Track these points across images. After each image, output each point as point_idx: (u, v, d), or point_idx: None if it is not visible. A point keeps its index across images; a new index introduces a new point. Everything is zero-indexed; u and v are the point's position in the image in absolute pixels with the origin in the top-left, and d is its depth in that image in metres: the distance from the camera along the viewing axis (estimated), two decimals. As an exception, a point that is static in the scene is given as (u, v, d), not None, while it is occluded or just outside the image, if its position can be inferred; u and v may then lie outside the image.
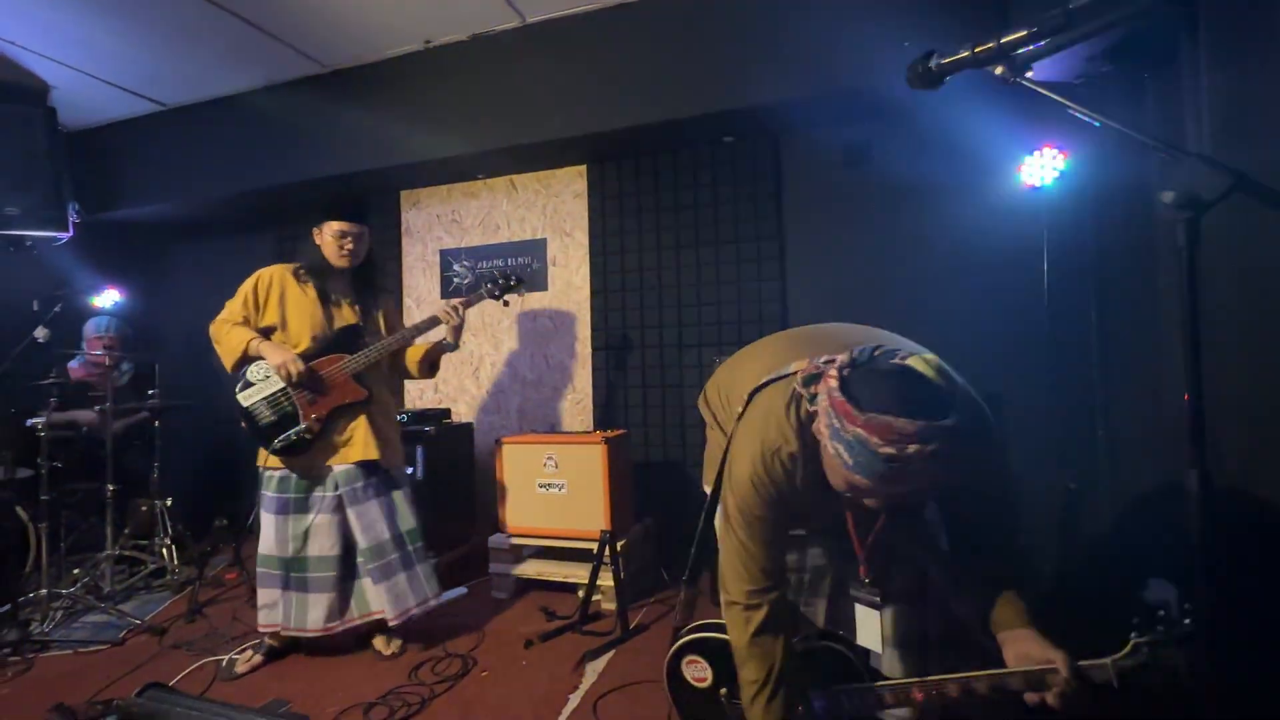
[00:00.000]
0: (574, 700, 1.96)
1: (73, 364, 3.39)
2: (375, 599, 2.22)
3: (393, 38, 3.17)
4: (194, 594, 2.78)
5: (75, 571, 2.93)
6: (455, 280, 3.75)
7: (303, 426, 2.16)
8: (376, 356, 2.24)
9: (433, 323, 2.32)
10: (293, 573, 2.21)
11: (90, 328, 3.37)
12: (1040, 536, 2.61)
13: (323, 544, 2.21)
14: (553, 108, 3.04)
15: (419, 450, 3.04)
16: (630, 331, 3.39)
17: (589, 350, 3.47)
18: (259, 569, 2.27)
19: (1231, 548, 0.88)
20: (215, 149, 3.67)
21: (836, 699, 1.27)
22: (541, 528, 2.86)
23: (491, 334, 3.69)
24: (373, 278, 2.41)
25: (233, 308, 2.26)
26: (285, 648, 2.32)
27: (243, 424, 2.21)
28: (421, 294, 3.84)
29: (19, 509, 2.71)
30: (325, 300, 2.28)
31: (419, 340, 2.40)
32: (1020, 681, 1.06)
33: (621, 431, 3.04)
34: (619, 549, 2.60)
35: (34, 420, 2.69)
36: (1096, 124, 1.02)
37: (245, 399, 2.19)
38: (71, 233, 3.54)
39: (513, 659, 2.25)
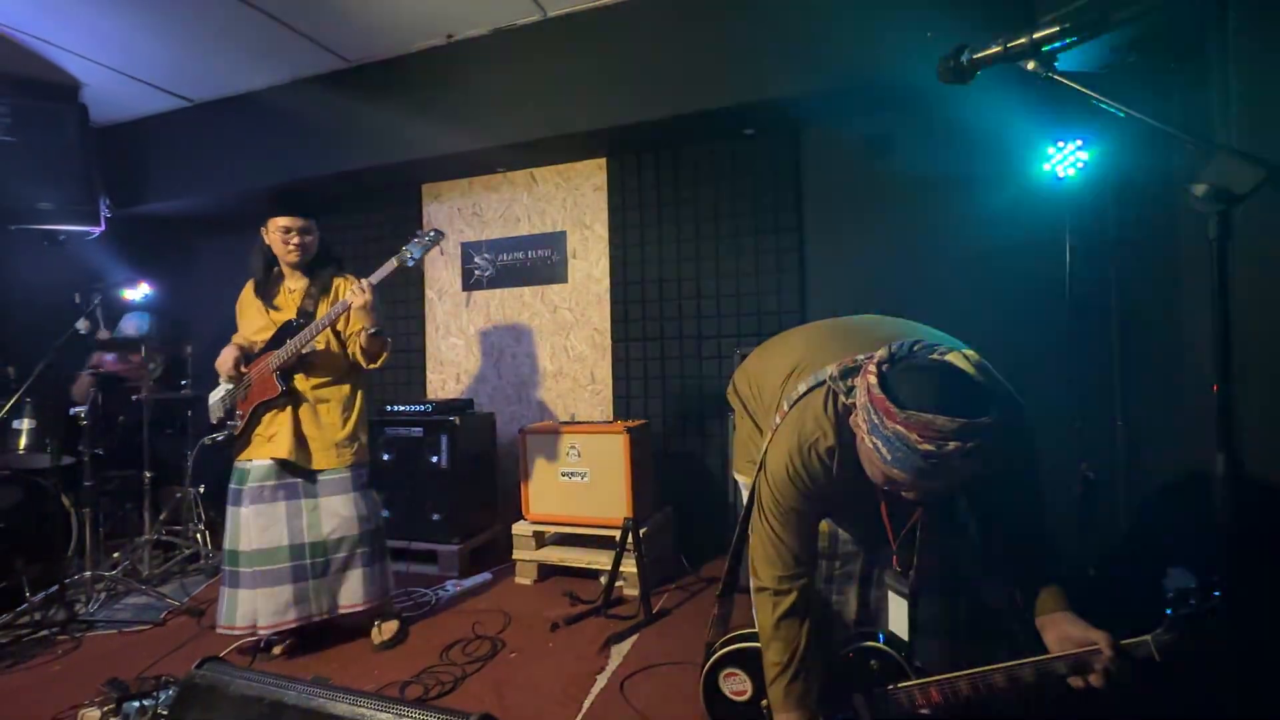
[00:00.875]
0: (601, 680, 2.02)
1: (107, 357, 3.49)
2: (264, 605, 2.14)
3: (416, 33, 3.21)
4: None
5: (115, 555, 3.03)
6: (476, 272, 3.81)
7: (232, 423, 2.31)
8: (294, 350, 2.18)
9: (343, 307, 2.16)
10: (228, 566, 2.20)
11: (129, 325, 3.46)
12: (1059, 525, 2.63)
13: (248, 538, 2.17)
14: (573, 101, 3.07)
15: (443, 439, 3.12)
16: (649, 323, 3.43)
17: (609, 341, 3.51)
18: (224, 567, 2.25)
19: (1255, 533, 0.90)
20: (241, 144, 3.74)
21: (882, 701, 1.25)
22: (564, 515, 2.92)
23: (512, 326, 3.75)
24: (326, 266, 2.35)
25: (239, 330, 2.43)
26: (301, 630, 2.28)
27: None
28: (443, 286, 3.90)
29: (63, 496, 2.80)
30: (268, 303, 2.31)
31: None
32: (1065, 666, 1.07)
33: (643, 421, 3.09)
34: (641, 536, 2.65)
35: (75, 409, 2.78)
36: (1122, 114, 1.04)
37: (211, 398, 2.40)
38: (103, 226, 3.63)
39: (540, 641, 2.32)
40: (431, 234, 2.24)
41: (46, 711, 1.91)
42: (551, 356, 3.65)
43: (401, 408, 3.25)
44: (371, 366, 2.30)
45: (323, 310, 2.27)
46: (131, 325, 3.46)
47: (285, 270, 2.35)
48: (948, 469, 0.97)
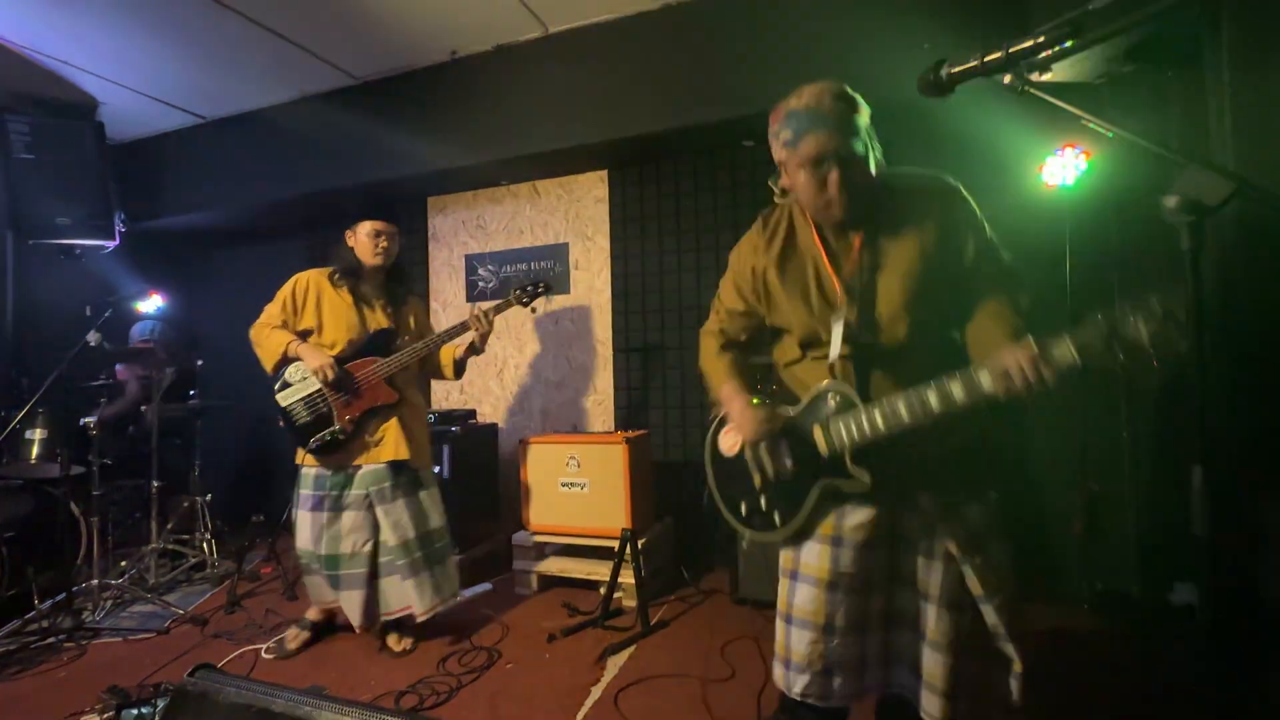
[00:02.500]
0: (596, 692, 2.02)
1: (119, 366, 3.56)
2: (401, 595, 2.29)
3: (421, 50, 3.27)
4: (233, 587, 2.90)
5: (122, 564, 3.07)
6: (480, 284, 3.85)
7: (337, 427, 2.25)
8: (409, 360, 2.31)
9: (462, 328, 2.38)
10: (326, 570, 2.30)
11: (136, 332, 3.54)
12: (1063, 539, 2.59)
13: (354, 541, 2.29)
14: (575, 115, 3.11)
15: (445, 450, 3.13)
16: (651, 333, 3.44)
17: (610, 352, 3.53)
18: (301, 562, 2.38)
19: (1233, 544, 0.89)
20: (252, 159, 3.82)
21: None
22: (564, 525, 2.93)
23: (515, 336, 3.78)
24: (402, 280, 2.52)
25: (271, 311, 2.36)
26: (326, 624, 2.45)
27: (281, 423, 2.31)
28: (448, 297, 3.94)
29: (72, 505, 2.86)
30: (359, 303, 2.37)
31: (450, 343, 2.47)
32: (989, 378, 1.12)
33: (643, 432, 3.10)
34: (640, 547, 2.65)
35: (86, 420, 2.84)
36: (1109, 135, 1.04)
37: (284, 399, 2.29)
38: (118, 241, 3.72)
39: (536, 652, 2.32)
40: (542, 286, 2.53)
41: (49, 717, 1.94)
42: (554, 367, 3.67)
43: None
44: (456, 379, 2.60)
45: (409, 324, 2.46)
46: (138, 331, 3.53)
47: (367, 273, 2.40)
48: (830, 112, 1.18)
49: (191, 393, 3.35)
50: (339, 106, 3.59)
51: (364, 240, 2.34)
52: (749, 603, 2.59)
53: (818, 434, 1.31)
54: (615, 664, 2.20)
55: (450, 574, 2.40)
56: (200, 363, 3.53)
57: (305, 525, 2.31)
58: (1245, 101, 1.75)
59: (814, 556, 1.33)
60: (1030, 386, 1.07)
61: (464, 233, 3.91)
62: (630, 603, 2.63)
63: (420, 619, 2.29)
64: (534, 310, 2.65)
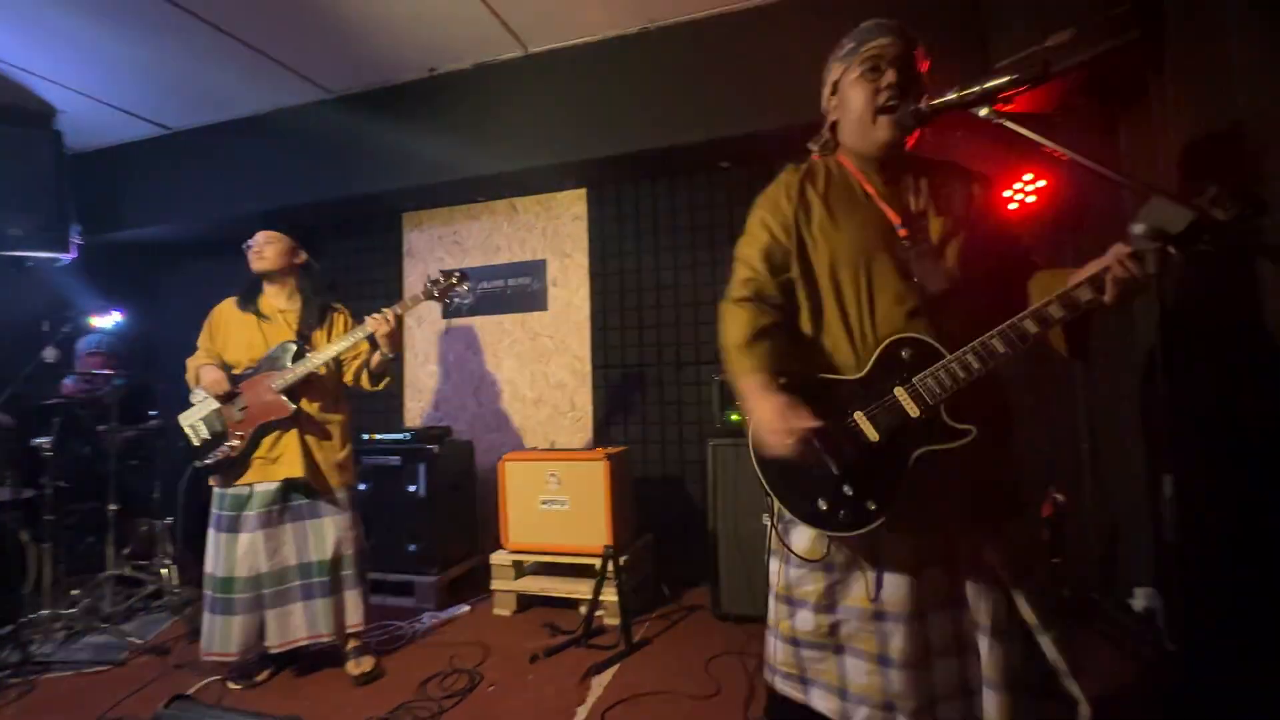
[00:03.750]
0: (581, 713, 2.00)
1: (66, 381, 3.41)
2: (283, 628, 2.18)
3: (398, 66, 3.26)
4: (196, 614, 2.77)
5: (75, 592, 2.91)
6: (456, 300, 3.79)
7: (227, 444, 2.21)
8: (304, 371, 2.20)
9: (366, 333, 2.21)
10: (218, 593, 2.17)
11: (82, 345, 3.40)
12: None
13: (250, 564, 2.16)
14: (554, 133, 3.14)
15: (420, 468, 3.09)
16: (629, 351, 3.46)
17: (589, 369, 3.53)
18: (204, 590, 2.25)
19: (1201, 550, 0.95)
20: (220, 172, 3.73)
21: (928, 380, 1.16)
22: (544, 544, 2.90)
23: (492, 353, 3.75)
24: (320, 293, 2.41)
25: (200, 343, 2.38)
26: (289, 653, 2.28)
27: (181, 443, 2.30)
28: (422, 314, 3.89)
29: (21, 531, 2.70)
30: (262, 320, 2.32)
31: (375, 352, 2.31)
32: (1086, 289, 1.09)
33: (623, 448, 3.10)
34: (621, 564, 2.64)
35: (38, 440, 2.71)
36: (1097, 166, 1.10)
37: (184, 419, 2.30)
38: (73, 253, 3.58)
39: (519, 674, 2.28)
40: (456, 275, 2.35)
41: (-3, 760, 1.82)
42: (531, 384, 3.66)
43: (379, 436, 3.22)
44: (375, 389, 2.38)
45: (320, 336, 2.32)
46: (84, 343, 3.40)
47: (271, 288, 2.36)
48: (897, 29, 1.22)
49: (153, 413, 3.22)
50: (312, 120, 3.54)
51: (249, 254, 2.34)
52: (731, 618, 2.60)
53: (901, 396, 1.16)
54: (600, 683, 2.18)
55: (319, 612, 2.20)
56: (159, 381, 3.40)
57: (210, 546, 2.22)
58: (1188, 134, 1.88)
59: (857, 584, 1.22)
60: (1134, 280, 1.04)
61: (440, 248, 3.88)
62: (612, 621, 2.62)
63: (274, 651, 2.18)
64: (449, 302, 2.43)
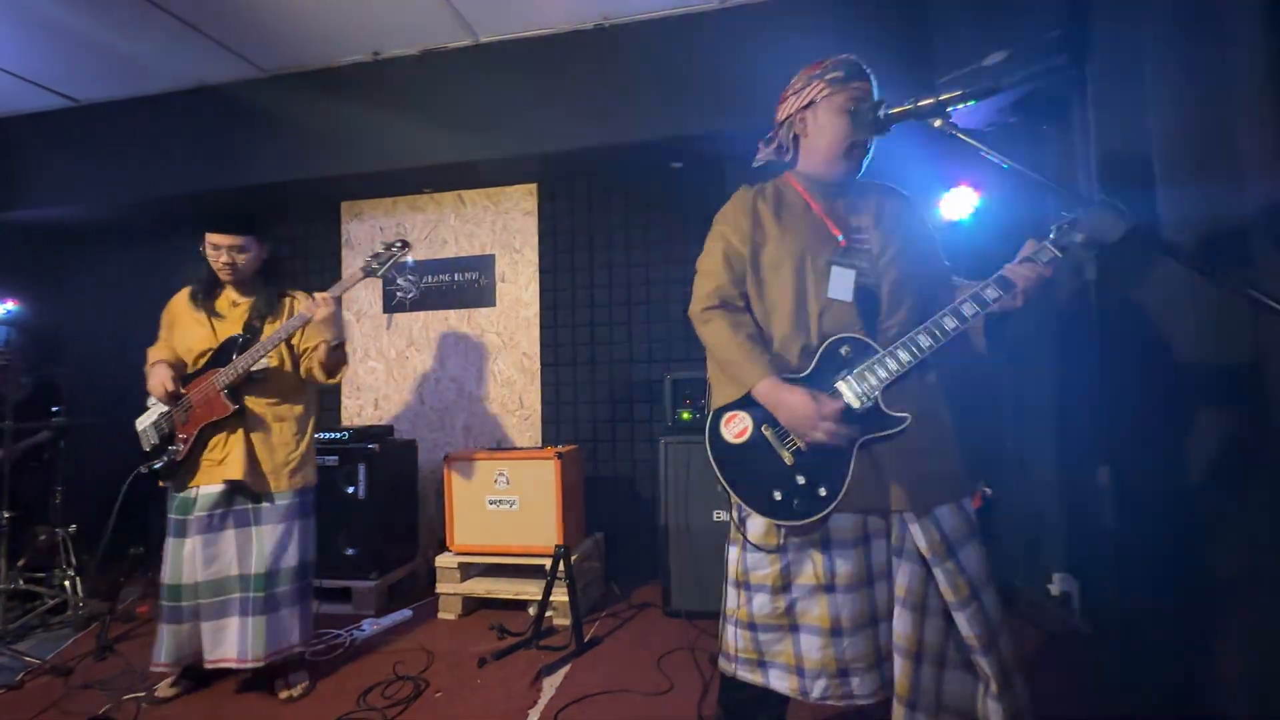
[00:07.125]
0: (534, 715, 1.96)
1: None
2: (216, 640, 2.03)
3: (339, 47, 3.11)
4: (104, 628, 2.55)
5: (-41, 610, 2.62)
6: (399, 294, 3.68)
7: (174, 447, 2.09)
8: (244, 367, 2.06)
9: (301, 320, 2.06)
10: (166, 601, 2.06)
11: None
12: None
13: (189, 571, 2.04)
14: (504, 126, 3.07)
15: (360, 469, 2.96)
16: (579, 348, 3.43)
17: (538, 366, 3.48)
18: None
19: (1134, 535, 1.03)
20: (134, 150, 3.45)
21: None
22: (492, 545, 2.83)
23: (436, 349, 3.63)
24: (274, 282, 2.25)
25: (161, 336, 2.23)
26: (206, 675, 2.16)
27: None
28: (362, 307, 3.73)
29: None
30: (212, 317, 2.17)
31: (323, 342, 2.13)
32: (992, 288, 1.26)
33: (573, 446, 3.07)
34: (572, 562, 2.61)
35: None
36: (1007, 167, 1.19)
37: (139, 423, 2.17)
38: (-40, 234, 3.22)
39: (466, 679, 2.22)
40: (397, 245, 2.17)
41: None
42: (478, 381, 3.57)
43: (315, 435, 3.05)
44: (330, 381, 2.21)
45: (270, 328, 2.15)
46: None
47: (231, 288, 2.21)
48: (868, 72, 1.35)
49: (55, 409, 2.93)
50: (243, 98, 3.32)
51: (210, 254, 2.14)
52: (681, 615, 2.62)
53: (845, 389, 1.28)
54: (552, 684, 2.15)
55: (251, 631, 2.03)
56: (62, 377, 3.11)
57: (166, 552, 2.09)
58: (1106, 150, 2.04)
59: (808, 564, 1.31)
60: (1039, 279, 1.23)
61: (382, 239, 3.72)
62: (562, 621, 2.59)
63: (207, 666, 2.04)
64: (394, 277, 2.33)
